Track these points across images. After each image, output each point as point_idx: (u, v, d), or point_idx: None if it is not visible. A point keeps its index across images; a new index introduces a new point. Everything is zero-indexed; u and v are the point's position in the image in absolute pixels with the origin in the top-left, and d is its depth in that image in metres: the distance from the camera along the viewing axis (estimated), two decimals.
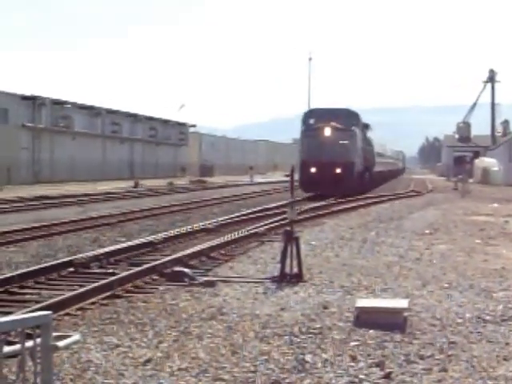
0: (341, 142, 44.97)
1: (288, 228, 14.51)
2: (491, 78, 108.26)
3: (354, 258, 17.12)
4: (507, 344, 9.31)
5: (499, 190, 57.69)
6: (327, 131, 45.29)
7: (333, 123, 45.47)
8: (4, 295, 12.69)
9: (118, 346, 8.92)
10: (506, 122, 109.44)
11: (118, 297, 12.36)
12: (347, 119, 47.19)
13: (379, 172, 66.18)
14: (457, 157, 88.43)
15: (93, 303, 11.75)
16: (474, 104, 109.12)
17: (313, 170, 45.15)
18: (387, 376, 7.93)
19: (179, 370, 8.01)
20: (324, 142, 45.07)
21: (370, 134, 57.10)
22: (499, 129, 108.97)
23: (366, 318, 10.23)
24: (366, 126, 54.47)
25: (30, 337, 4.61)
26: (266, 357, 8.58)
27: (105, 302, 11.95)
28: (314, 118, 48.29)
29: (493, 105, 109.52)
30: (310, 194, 44.80)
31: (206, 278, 13.85)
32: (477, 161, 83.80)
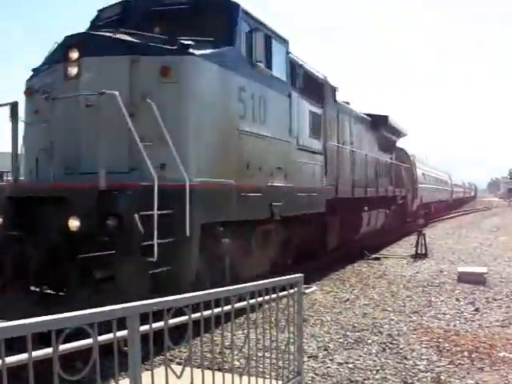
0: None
1: (419, 229, 13.13)
2: None
3: (455, 244, 15.20)
4: None
5: None
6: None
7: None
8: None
9: (330, 291, 8.15)
10: None
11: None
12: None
13: (436, 202, 25.89)
14: (510, 188, 78.95)
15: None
16: None
17: None
18: (476, 310, 6.72)
19: (364, 305, 7.17)
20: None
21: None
22: None
23: (464, 278, 8.82)
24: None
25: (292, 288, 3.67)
26: (410, 298, 7.52)
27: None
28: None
29: None
30: None
31: (375, 255, 12.81)
32: None
